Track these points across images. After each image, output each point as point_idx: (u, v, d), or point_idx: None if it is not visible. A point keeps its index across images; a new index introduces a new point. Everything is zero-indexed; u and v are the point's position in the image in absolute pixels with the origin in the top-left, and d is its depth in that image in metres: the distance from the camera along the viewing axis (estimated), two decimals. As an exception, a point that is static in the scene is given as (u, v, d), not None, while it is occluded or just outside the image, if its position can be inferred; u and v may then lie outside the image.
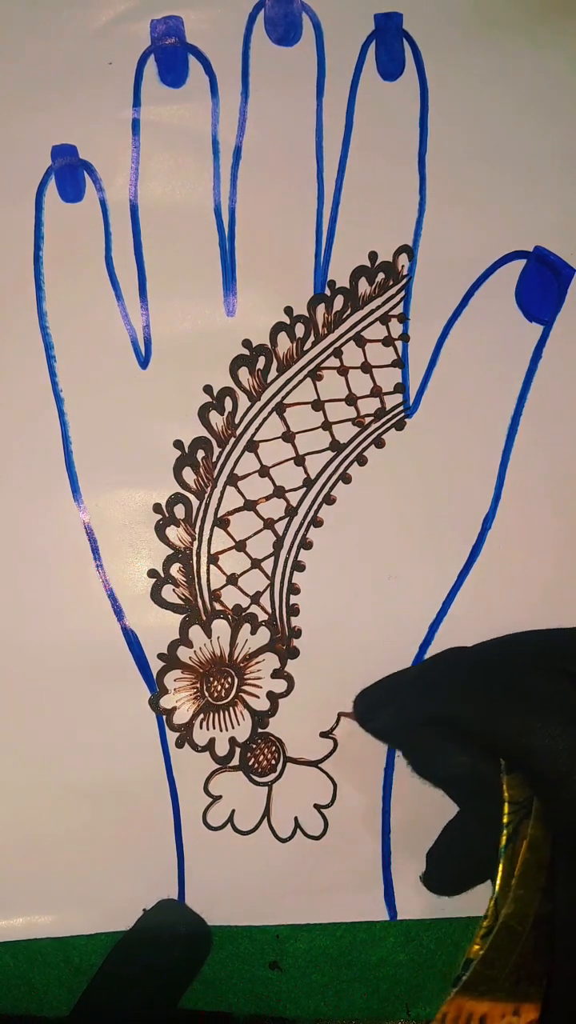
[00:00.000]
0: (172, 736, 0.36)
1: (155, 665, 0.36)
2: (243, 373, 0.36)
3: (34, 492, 0.36)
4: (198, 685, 0.36)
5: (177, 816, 0.36)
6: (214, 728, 0.36)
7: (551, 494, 0.37)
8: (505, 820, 0.24)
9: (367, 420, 0.36)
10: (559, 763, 0.21)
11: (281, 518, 0.36)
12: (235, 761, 0.36)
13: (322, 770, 0.36)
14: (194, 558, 0.36)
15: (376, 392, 0.36)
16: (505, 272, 0.36)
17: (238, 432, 0.36)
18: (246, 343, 0.36)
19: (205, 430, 0.36)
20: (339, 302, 0.36)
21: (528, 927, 0.23)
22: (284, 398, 0.36)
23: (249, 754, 0.36)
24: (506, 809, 0.24)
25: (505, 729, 0.22)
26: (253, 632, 0.36)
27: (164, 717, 0.36)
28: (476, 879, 0.27)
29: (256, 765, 0.36)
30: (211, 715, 0.36)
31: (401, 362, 0.36)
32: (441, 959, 0.37)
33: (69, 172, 0.35)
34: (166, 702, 0.36)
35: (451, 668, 0.25)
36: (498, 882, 0.23)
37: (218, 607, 0.36)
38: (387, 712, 0.26)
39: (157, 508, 0.36)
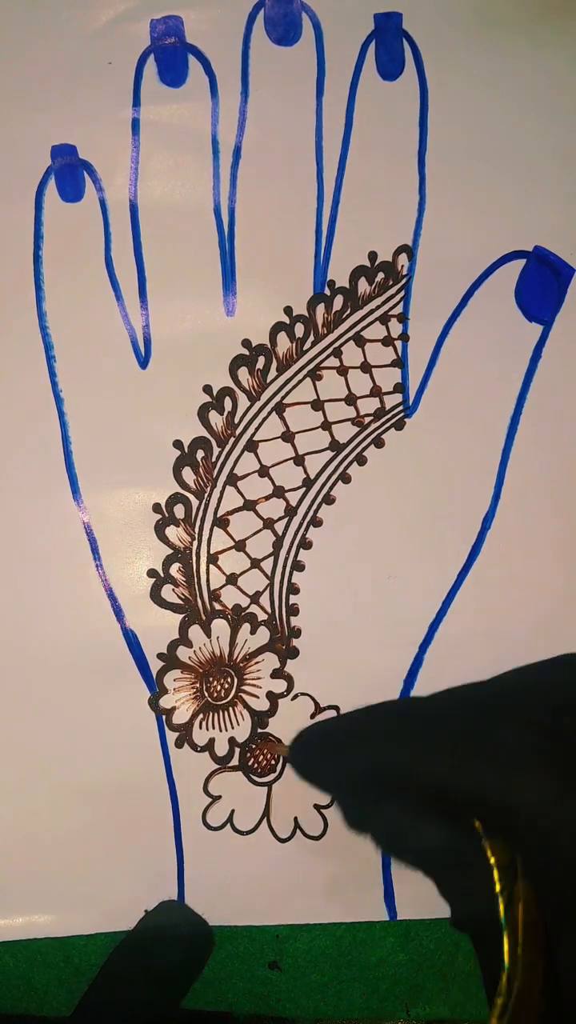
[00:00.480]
0: (172, 736, 0.36)
1: (155, 665, 0.36)
2: (243, 373, 0.36)
3: (34, 492, 0.36)
4: (198, 685, 0.36)
5: (177, 816, 0.36)
6: (214, 728, 0.36)
7: (551, 494, 0.37)
8: (498, 888, 0.23)
9: (367, 420, 0.36)
10: (547, 820, 0.20)
11: (281, 518, 0.36)
12: (235, 761, 0.36)
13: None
14: (194, 558, 0.36)
15: (376, 392, 0.36)
16: (505, 272, 0.36)
17: (238, 432, 0.36)
18: (246, 343, 0.36)
19: (205, 430, 0.36)
20: (339, 302, 0.36)
21: (537, 993, 0.23)
22: (284, 398, 0.36)
23: (249, 754, 0.36)
24: (496, 876, 0.23)
25: (476, 786, 0.21)
26: (253, 632, 0.36)
27: (164, 717, 0.36)
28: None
29: (256, 765, 0.36)
30: (211, 715, 0.36)
31: (401, 362, 0.36)
32: (440, 959, 0.37)
33: (69, 172, 0.35)
34: (166, 702, 0.36)
35: (396, 717, 0.23)
36: (506, 956, 0.23)
37: (218, 607, 0.36)
38: (327, 759, 0.23)
39: (157, 508, 0.36)
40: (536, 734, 0.20)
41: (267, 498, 0.36)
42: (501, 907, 0.23)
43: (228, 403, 0.36)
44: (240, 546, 0.36)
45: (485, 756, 0.20)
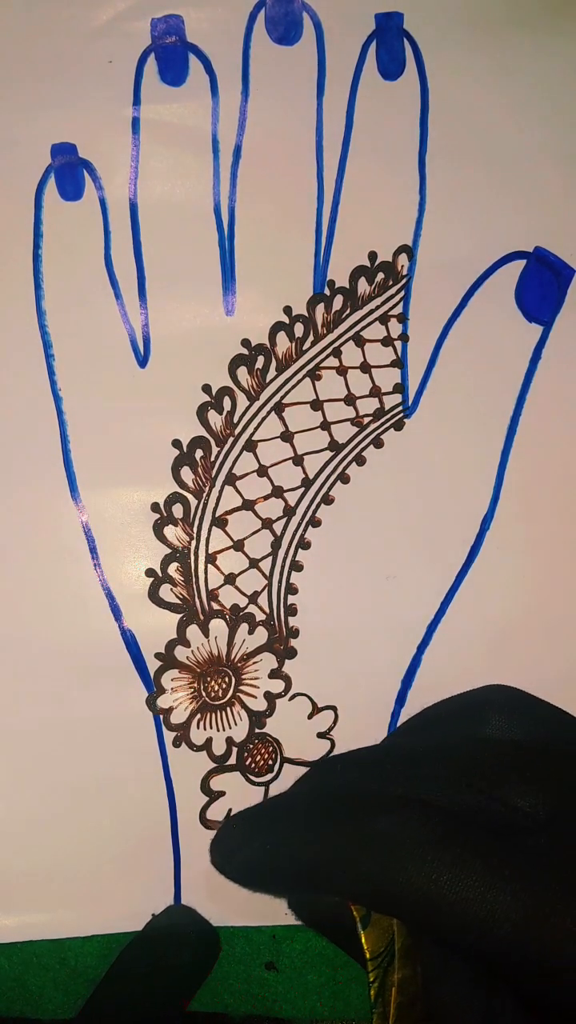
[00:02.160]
0: (169, 736, 0.36)
1: (152, 665, 0.36)
2: (242, 372, 0.36)
3: (32, 491, 0.35)
4: (195, 685, 0.36)
5: (174, 816, 0.36)
6: (211, 728, 0.36)
7: (550, 495, 0.37)
8: (371, 979, 0.23)
9: (366, 420, 0.36)
10: (423, 906, 0.19)
11: (279, 518, 0.36)
12: (232, 761, 0.36)
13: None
14: (192, 557, 0.36)
15: (375, 392, 0.36)
16: (505, 272, 0.36)
17: (236, 432, 0.36)
18: (245, 342, 0.36)
19: (203, 429, 0.36)
20: (338, 302, 0.36)
21: None
22: (283, 398, 0.36)
23: (246, 754, 0.36)
24: (370, 967, 0.23)
25: (358, 883, 0.20)
26: (251, 632, 0.36)
27: (161, 716, 0.36)
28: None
29: (253, 765, 0.36)
30: (208, 715, 0.36)
31: (400, 362, 0.36)
32: None
33: (69, 170, 0.35)
34: (163, 702, 0.36)
35: (290, 814, 0.22)
36: None
37: (216, 607, 0.36)
38: (239, 859, 0.23)
39: (155, 507, 0.36)
40: (411, 817, 0.20)
41: (266, 498, 0.36)
42: (371, 994, 0.23)
43: (227, 403, 0.36)
44: (239, 546, 0.36)
45: (360, 854, 0.20)
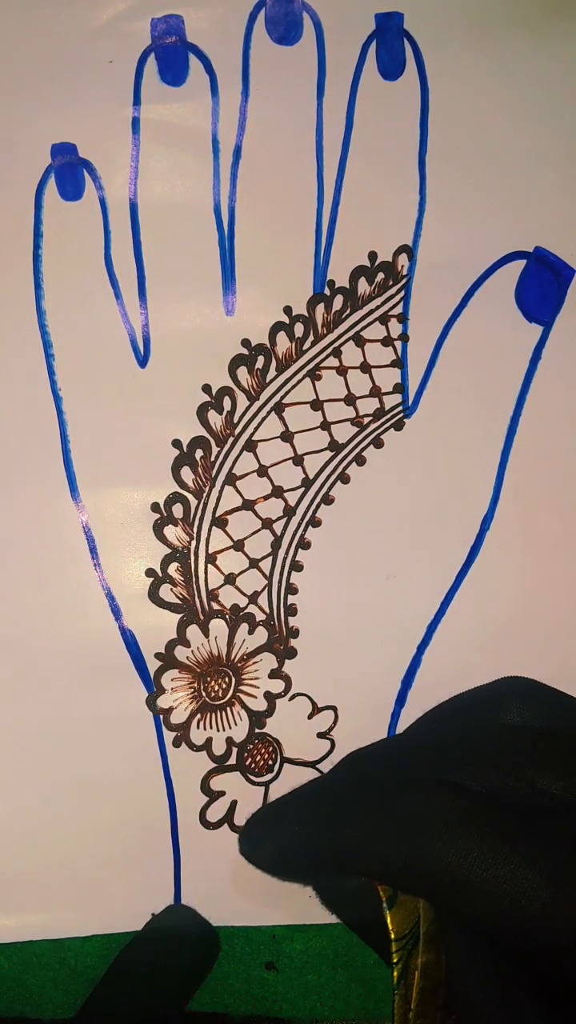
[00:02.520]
0: (169, 736, 0.36)
1: (152, 664, 0.36)
2: (242, 372, 0.36)
3: (32, 490, 0.35)
4: (195, 685, 0.36)
5: (174, 816, 0.36)
6: (211, 728, 0.36)
7: (550, 495, 0.37)
8: (395, 959, 0.23)
9: (366, 420, 0.36)
10: (453, 883, 0.19)
11: (279, 518, 0.36)
12: (232, 761, 0.36)
13: (320, 771, 0.36)
14: (192, 558, 0.36)
15: (375, 392, 0.36)
16: (505, 272, 0.36)
17: (237, 431, 0.36)
18: (245, 342, 0.36)
19: (204, 429, 0.36)
20: (339, 302, 0.36)
21: None
22: (283, 398, 0.36)
23: (246, 754, 0.36)
24: (393, 948, 0.23)
25: (389, 862, 0.20)
26: (251, 632, 0.36)
27: (161, 716, 0.36)
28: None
29: (253, 765, 0.36)
30: (208, 715, 0.36)
31: (400, 362, 0.36)
32: None
33: (69, 170, 0.35)
34: (163, 701, 0.36)
35: (322, 798, 0.23)
36: (395, 1019, 0.23)
37: (216, 607, 0.36)
38: (269, 847, 0.24)
39: (155, 507, 0.36)
40: (441, 796, 0.20)
41: (266, 498, 0.36)
42: (395, 976, 0.23)
43: (227, 403, 0.36)
44: (239, 546, 0.36)
45: (390, 831, 0.20)
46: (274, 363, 0.36)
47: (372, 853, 0.20)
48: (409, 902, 0.23)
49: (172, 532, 0.36)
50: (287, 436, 0.36)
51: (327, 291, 0.36)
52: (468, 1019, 0.21)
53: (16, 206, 0.35)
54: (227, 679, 0.36)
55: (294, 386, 0.36)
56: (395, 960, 0.23)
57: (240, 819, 0.36)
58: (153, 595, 0.36)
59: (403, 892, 0.22)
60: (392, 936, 0.23)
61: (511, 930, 0.18)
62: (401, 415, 0.36)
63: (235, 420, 0.36)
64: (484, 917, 0.19)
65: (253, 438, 0.36)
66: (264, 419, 0.36)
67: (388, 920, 0.23)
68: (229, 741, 0.36)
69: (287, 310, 0.36)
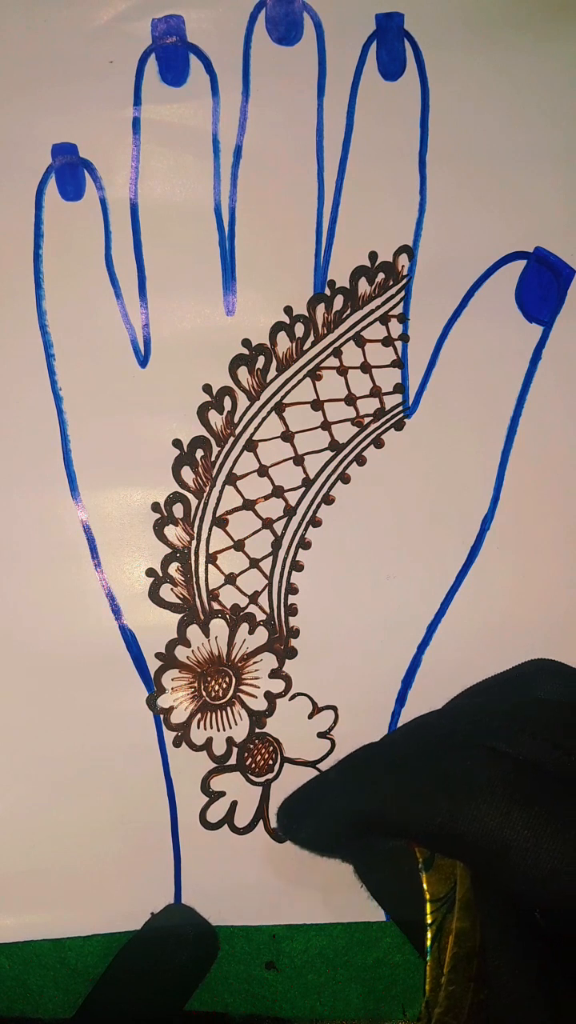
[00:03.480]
0: (169, 735, 0.36)
1: (153, 664, 0.36)
2: (242, 372, 0.36)
3: (32, 490, 0.35)
4: (196, 685, 0.36)
5: (174, 815, 0.36)
6: (211, 728, 0.36)
7: (550, 495, 0.37)
8: (428, 920, 0.23)
9: (366, 420, 0.36)
10: (493, 841, 0.20)
11: (280, 518, 0.36)
12: (232, 761, 0.36)
13: (320, 771, 0.36)
14: (192, 557, 0.36)
15: (375, 392, 0.36)
16: (505, 272, 0.36)
17: (237, 431, 0.36)
18: (245, 342, 0.36)
19: (204, 429, 0.36)
20: (339, 302, 0.36)
21: (463, 1018, 0.23)
22: (283, 398, 0.36)
23: (247, 754, 0.36)
24: (428, 908, 0.23)
25: (429, 821, 0.21)
26: (251, 632, 0.36)
27: (161, 716, 0.36)
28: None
29: (253, 765, 0.36)
30: (208, 715, 0.36)
31: (400, 362, 0.36)
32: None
33: (69, 170, 0.35)
34: (164, 701, 0.36)
35: (368, 764, 0.24)
36: (427, 983, 0.23)
37: (216, 607, 0.36)
38: (311, 823, 0.24)
39: (156, 507, 0.36)
40: (482, 760, 0.20)
41: (266, 498, 0.36)
42: (428, 938, 0.23)
43: (228, 402, 0.36)
44: (239, 546, 0.36)
45: (432, 790, 0.20)
46: (274, 363, 0.36)
47: (413, 812, 0.20)
48: (446, 866, 0.23)
49: (172, 532, 0.36)
50: (287, 436, 0.36)
51: (327, 291, 0.36)
52: (500, 998, 0.21)
53: (16, 206, 0.35)
54: (227, 679, 0.36)
55: (294, 386, 0.36)
56: (429, 921, 0.23)
57: (240, 820, 0.36)
58: (153, 595, 0.36)
59: (441, 854, 0.22)
60: (427, 897, 0.23)
61: (549, 897, 0.18)
62: (401, 415, 0.36)
63: (235, 420, 0.36)
64: (522, 882, 0.19)
65: (253, 438, 0.36)
66: (264, 419, 0.36)
67: (424, 881, 0.23)
68: (229, 741, 0.36)
69: (287, 310, 0.36)
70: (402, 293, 0.36)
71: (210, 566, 0.36)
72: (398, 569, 0.36)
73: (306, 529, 0.36)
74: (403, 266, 0.36)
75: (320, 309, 0.36)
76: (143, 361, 0.36)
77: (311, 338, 0.36)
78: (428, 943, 0.23)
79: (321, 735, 0.36)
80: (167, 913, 0.36)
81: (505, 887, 0.20)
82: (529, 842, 0.19)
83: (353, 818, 0.22)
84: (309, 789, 0.24)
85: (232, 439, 0.36)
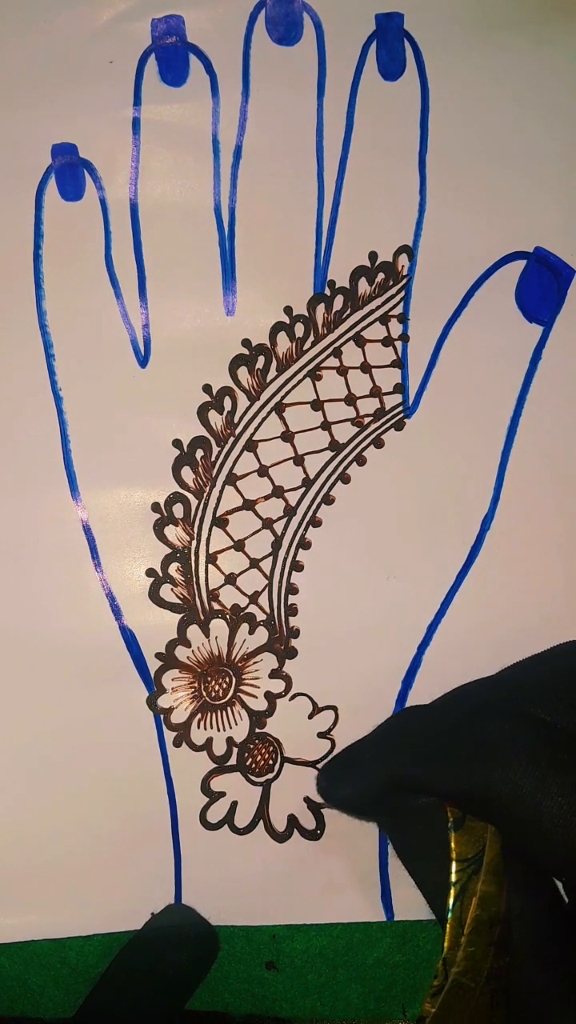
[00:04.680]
0: (170, 735, 0.36)
1: (153, 664, 0.36)
2: (242, 372, 0.36)
3: (32, 491, 0.36)
4: (196, 685, 0.36)
5: (174, 815, 0.36)
6: (212, 728, 0.36)
7: (550, 495, 0.37)
8: (453, 879, 0.23)
9: (366, 420, 0.36)
10: (527, 807, 0.20)
11: (280, 518, 0.36)
12: (233, 761, 0.36)
13: (320, 770, 0.36)
14: (192, 557, 0.36)
15: (375, 392, 0.36)
16: (505, 272, 0.36)
17: (237, 431, 0.36)
18: (245, 342, 0.36)
19: (204, 429, 0.36)
20: (339, 302, 0.36)
21: (481, 982, 0.23)
22: (283, 398, 0.36)
23: (247, 754, 0.36)
24: (454, 867, 0.23)
25: (465, 782, 0.21)
26: (251, 632, 0.36)
27: (162, 716, 0.36)
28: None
29: (254, 765, 0.36)
30: (209, 715, 0.36)
31: (401, 362, 0.36)
32: (437, 960, 0.37)
33: (69, 171, 0.35)
34: (164, 701, 0.36)
35: (406, 728, 0.24)
36: (446, 941, 0.23)
37: (216, 607, 0.36)
38: (348, 785, 0.25)
39: (155, 507, 0.36)
40: (522, 726, 0.20)
41: (266, 498, 0.36)
42: (451, 897, 0.23)
43: (228, 403, 0.36)
44: (239, 546, 0.36)
45: (470, 752, 0.21)
46: (274, 363, 0.36)
47: (449, 773, 0.20)
48: (477, 829, 0.23)
49: (172, 532, 0.36)
50: (287, 436, 0.36)
51: (327, 291, 0.36)
52: (521, 968, 0.22)
53: (16, 206, 0.35)
54: (228, 679, 0.36)
55: (294, 386, 0.36)
56: (453, 880, 0.23)
57: (240, 820, 0.36)
58: (153, 595, 0.36)
59: (474, 816, 0.23)
60: (454, 856, 0.23)
61: None
62: (401, 415, 0.36)
63: (236, 420, 0.36)
64: (553, 850, 0.19)
65: (254, 438, 0.36)
66: (264, 419, 0.36)
67: (452, 841, 0.23)
68: (230, 741, 0.36)
69: (287, 310, 0.36)
70: (402, 293, 0.36)
71: (210, 566, 0.36)
72: (398, 569, 0.36)
73: (306, 529, 0.36)
74: (403, 266, 0.36)
75: (320, 309, 0.36)
76: (143, 361, 0.36)
77: (311, 338, 0.36)
78: (451, 902, 0.23)
79: (321, 735, 0.36)
80: (168, 913, 0.36)
81: (535, 854, 0.21)
82: (563, 809, 0.19)
83: (389, 777, 0.22)
84: (348, 753, 0.25)
85: (232, 439, 0.36)
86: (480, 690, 0.25)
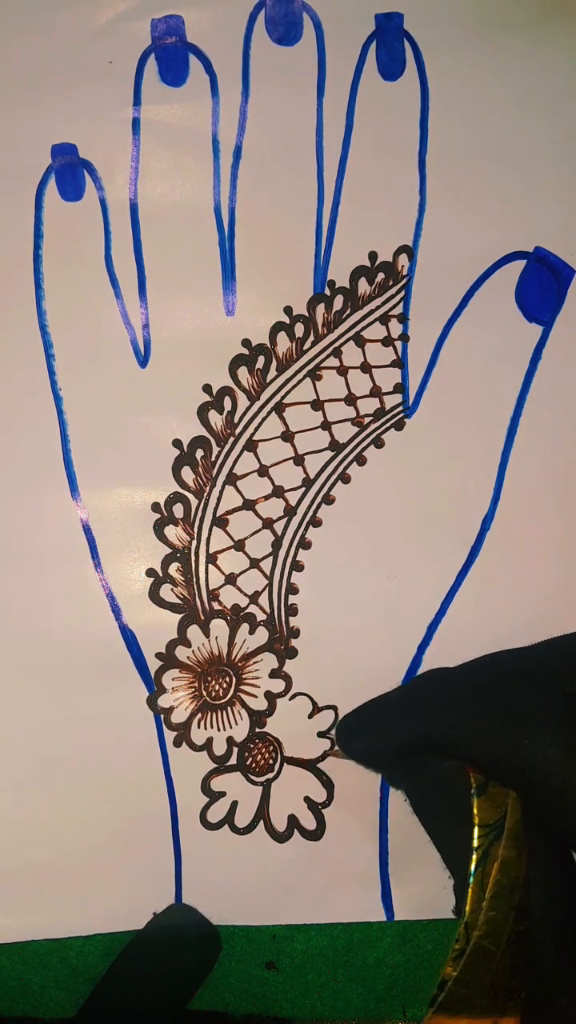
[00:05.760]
0: (170, 735, 0.36)
1: (153, 664, 0.36)
2: (242, 372, 0.36)
3: (32, 491, 0.36)
4: (196, 684, 0.36)
5: (175, 815, 0.36)
6: (212, 727, 0.36)
7: (550, 495, 0.37)
8: (476, 843, 0.24)
9: (366, 420, 0.36)
10: (553, 776, 0.20)
11: (280, 518, 0.36)
12: (233, 760, 0.36)
13: (320, 770, 0.36)
14: (192, 557, 0.36)
15: (375, 392, 0.36)
16: (505, 272, 0.36)
17: (237, 431, 0.36)
18: (245, 342, 0.36)
19: (204, 429, 0.36)
20: (339, 302, 0.36)
21: (502, 946, 0.23)
22: (283, 398, 0.36)
23: (247, 754, 0.36)
24: (476, 832, 0.24)
25: (492, 748, 0.21)
26: (251, 632, 0.36)
27: (162, 716, 0.36)
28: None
29: (254, 764, 0.36)
30: (209, 714, 0.36)
31: (401, 362, 0.36)
32: (438, 960, 0.37)
33: (69, 171, 0.35)
34: (164, 701, 0.36)
35: (432, 690, 0.24)
36: (468, 905, 0.24)
37: (216, 607, 0.36)
38: (367, 738, 0.25)
39: (156, 507, 0.36)
40: (552, 697, 0.21)
41: (266, 498, 0.36)
42: (472, 862, 0.23)
43: (228, 402, 0.36)
44: (239, 546, 0.36)
45: (498, 719, 0.21)
46: (274, 363, 0.36)
47: (476, 739, 0.21)
48: (499, 795, 0.24)
49: (173, 532, 0.36)
50: (288, 436, 0.36)
51: (327, 291, 0.36)
52: (539, 932, 0.22)
53: (16, 207, 0.35)
54: (228, 679, 0.36)
55: (294, 386, 0.36)
56: (475, 845, 0.23)
57: (241, 820, 0.36)
58: (154, 595, 0.36)
59: (498, 781, 0.23)
60: (476, 822, 0.23)
61: None
62: (401, 415, 0.36)
63: (236, 420, 0.36)
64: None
65: (254, 438, 0.36)
66: (265, 419, 0.36)
67: (475, 806, 0.23)
68: (230, 741, 0.36)
69: (287, 310, 0.36)
70: (402, 293, 0.36)
71: (210, 566, 0.36)
72: (398, 569, 0.36)
73: (306, 529, 0.36)
74: (403, 266, 0.36)
75: (320, 309, 0.36)
76: (143, 361, 0.36)
77: (311, 338, 0.36)
78: (472, 866, 0.23)
79: (321, 735, 0.36)
80: (170, 913, 0.36)
81: (557, 824, 0.21)
82: None
83: (413, 737, 0.23)
84: (370, 707, 0.26)
85: (232, 439, 0.36)
86: (510, 659, 0.25)
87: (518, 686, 0.22)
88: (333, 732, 0.25)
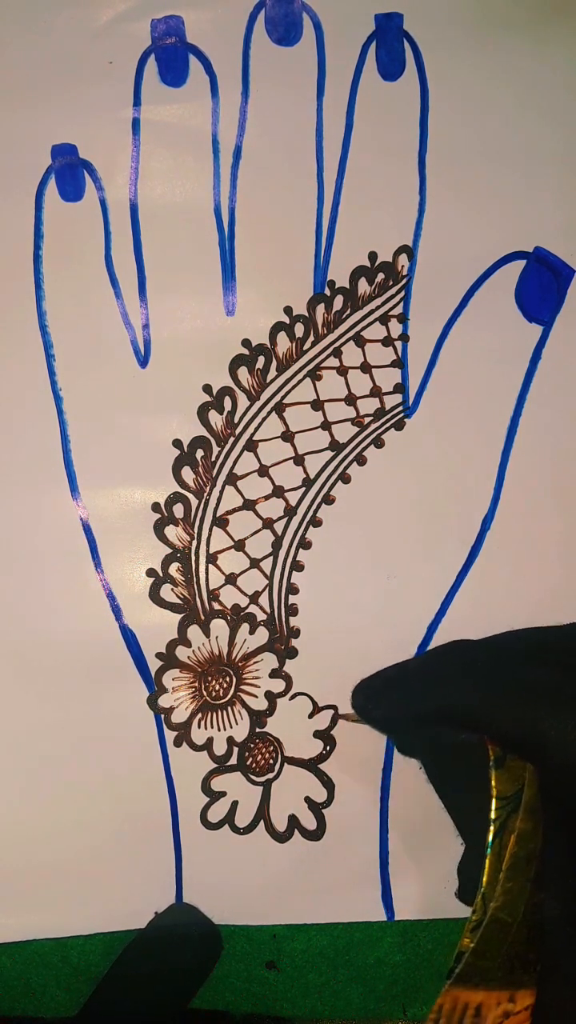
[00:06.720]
0: (170, 735, 0.36)
1: (153, 664, 0.36)
2: (242, 372, 0.36)
3: (33, 491, 0.36)
4: (196, 684, 0.36)
5: (175, 815, 0.36)
6: (212, 727, 0.36)
7: (550, 494, 0.37)
8: (493, 815, 0.24)
9: (366, 420, 0.36)
10: (572, 752, 0.21)
11: (280, 518, 0.36)
12: (233, 760, 0.36)
13: (320, 770, 0.36)
14: (193, 557, 0.36)
15: (375, 392, 0.36)
16: (505, 272, 0.36)
17: (237, 431, 0.36)
18: (245, 343, 0.36)
19: (204, 429, 0.36)
20: (339, 302, 0.36)
21: (518, 918, 0.24)
22: (283, 398, 0.36)
23: (247, 753, 0.36)
24: (494, 804, 0.24)
25: (512, 721, 0.22)
26: (251, 632, 0.36)
27: (162, 716, 0.36)
28: None
29: (254, 764, 0.36)
30: (209, 714, 0.36)
31: (400, 362, 0.36)
32: (438, 959, 0.37)
33: (69, 171, 0.35)
34: (164, 701, 0.36)
35: (454, 660, 0.25)
36: (485, 877, 0.24)
37: (217, 607, 0.36)
38: (386, 703, 0.25)
39: (156, 507, 0.36)
40: (569, 675, 0.21)
41: (267, 498, 0.36)
42: (490, 833, 0.24)
43: (228, 403, 0.36)
44: (239, 546, 0.36)
45: (521, 692, 0.21)
46: (274, 363, 0.36)
47: (500, 709, 0.21)
48: (517, 767, 0.24)
49: (173, 532, 0.36)
50: (288, 436, 0.36)
51: (327, 291, 0.36)
52: (554, 904, 0.22)
53: (17, 207, 0.35)
54: (228, 679, 0.36)
55: (295, 386, 0.36)
56: (493, 817, 0.23)
57: (241, 819, 0.36)
58: (154, 595, 0.36)
59: (519, 755, 0.23)
60: (494, 794, 0.23)
61: None
62: (401, 415, 0.36)
63: (236, 420, 0.36)
64: None
65: (254, 438, 0.36)
66: (265, 419, 0.36)
67: (493, 778, 0.24)
68: (230, 740, 0.36)
69: (287, 310, 0.36)
70: (402, 293, 0.36)
71: (210, 566, 0.36)
72: (398, 569, 0.36)
73: (306, 529, 0.36)
74: (403, 266, 0.36)
75: (320, 309, 0.36)
76: (143, 361, 0.36)
77: (311, 338, 0.36)
78: (490, 838, 0.24)
79: (321, 734, 0.36)
80: (172, 912, 0.36)
81: (574, 798, 0.21)
82: None
83: (432, 706, 0.23)
84: (389, 673, 0.26)
85: (232, 439, 0.36)
86: (533, 634, 0.25)
87: (541, 662, 0.22)
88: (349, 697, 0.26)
